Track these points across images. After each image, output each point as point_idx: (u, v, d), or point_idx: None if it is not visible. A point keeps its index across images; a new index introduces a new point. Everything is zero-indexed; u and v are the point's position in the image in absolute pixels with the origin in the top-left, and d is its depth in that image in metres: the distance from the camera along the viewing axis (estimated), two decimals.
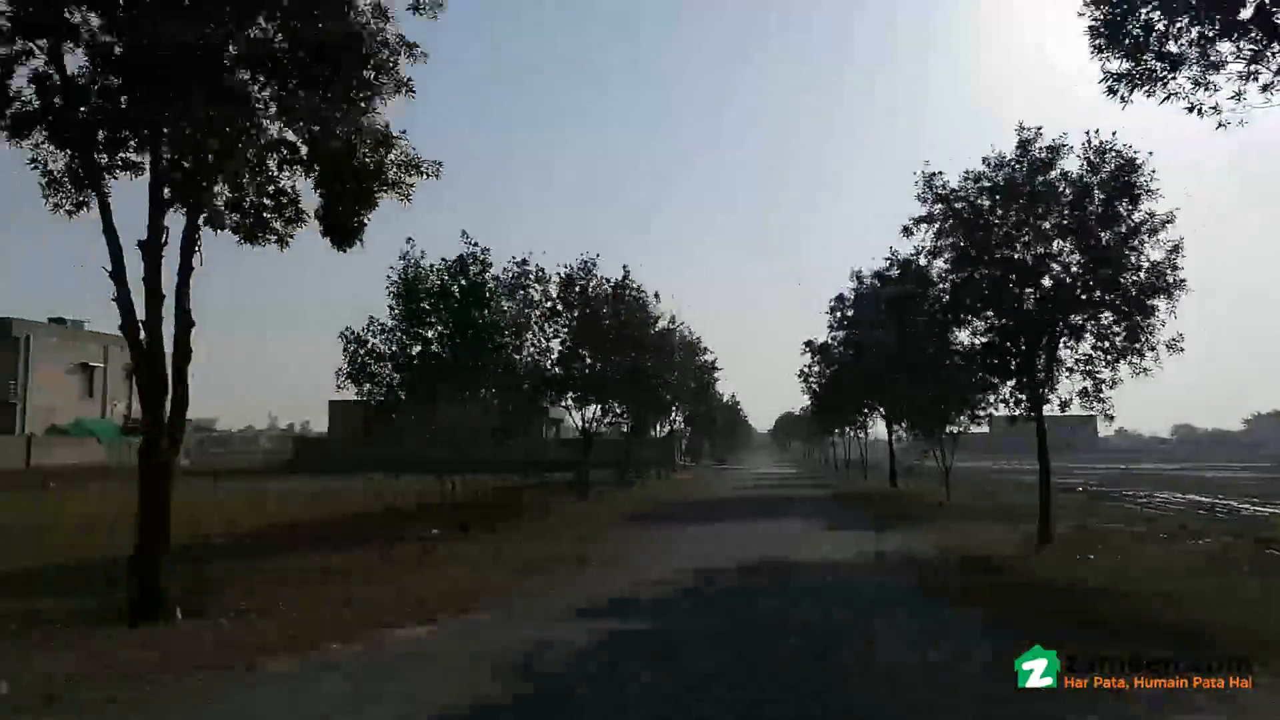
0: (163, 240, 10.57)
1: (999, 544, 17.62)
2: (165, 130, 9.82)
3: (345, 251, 14.44)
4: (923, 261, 20.01)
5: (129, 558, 10.20)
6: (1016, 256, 18.46)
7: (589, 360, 30.43)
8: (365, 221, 13.01)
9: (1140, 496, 36.26)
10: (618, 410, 34.27)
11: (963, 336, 19.73)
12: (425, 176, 12.82)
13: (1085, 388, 18.62)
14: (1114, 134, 17.90)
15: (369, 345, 19.65)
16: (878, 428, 52.31)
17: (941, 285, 19.92)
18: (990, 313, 19.23)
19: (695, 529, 22.22)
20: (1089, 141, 17.95)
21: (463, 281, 20.47)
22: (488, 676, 7.74)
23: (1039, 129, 18.05)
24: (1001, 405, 20.05)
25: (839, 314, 39.18)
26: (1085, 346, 18.52)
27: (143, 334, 10.58)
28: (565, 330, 29.95)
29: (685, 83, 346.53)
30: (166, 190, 11.80)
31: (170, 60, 9.47)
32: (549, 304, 29.17)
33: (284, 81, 10.18)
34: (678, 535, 20.72)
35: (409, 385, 20.01)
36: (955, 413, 26.57)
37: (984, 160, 19.02)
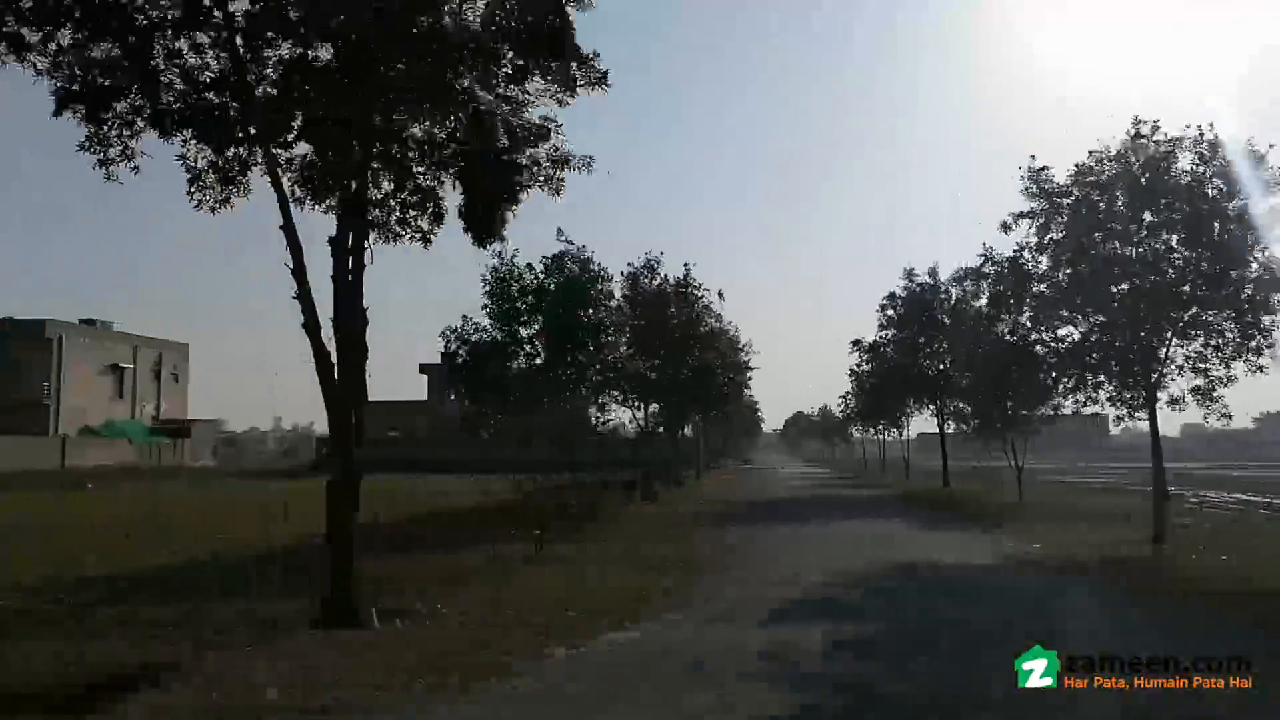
0: (350, 236, 10.37)
1: (1115, 544, 17.41)
2: (372, 123, 9.60)
3: (485, 248, 14.21)
4: (1026, 257, 19.77)
5: (333, 563, 9.94)
6: (1130, 252, 18.28)
7: (652, 359, 30.23)
8: (507, 218, 12.79)
9: (1190, 496, 36.02)
10: (663, 410, 34.05)
11: (1073, 333, 19.49)
12: (577, 171, 12.58)
13: (1198, 385, 18.47)
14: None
15: (470, 343, 19.44)
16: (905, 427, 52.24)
17: (1045, 283, 19.72)
18: (1093, 309, 19.02)
19: (790, 529, 22.00)
20: (1201, 135, 17.80)
21: (557, 279, 20.26)
22: (765, 685, 7.47)
23: (1156, 122, 17.87)
24: (1108, 403, 19.74)
25: (890, 312, 39.02)
26: (1198, 344, 18.36)
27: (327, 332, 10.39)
28: (629, 329, 29.77)
29: (682, 79, 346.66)
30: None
31: (383, 47, 9.29)
32: (613, 302, 28.99)
33: (489, 72, 9.95)
34: (780, 536, 20.49)
35: (508, 386, 19.80)
36: (1035, 410, 26.41)
37: (1090, 154, 18.85)
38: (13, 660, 8.19)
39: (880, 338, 40.27)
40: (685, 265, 31.83)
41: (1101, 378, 19.44)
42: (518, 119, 11.60)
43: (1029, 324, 20.12)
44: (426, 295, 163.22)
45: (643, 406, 31.92)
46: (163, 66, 10.81)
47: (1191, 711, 6.51)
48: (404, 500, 28.06)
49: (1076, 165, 18.72)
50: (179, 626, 9.75)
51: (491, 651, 8.61)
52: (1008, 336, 20.97)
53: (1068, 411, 22.13)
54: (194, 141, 11.20)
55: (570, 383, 20.18)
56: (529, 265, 20.18)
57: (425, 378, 73.08)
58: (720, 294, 32.62)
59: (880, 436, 58.90)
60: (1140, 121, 17.95)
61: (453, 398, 20.39)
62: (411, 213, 12.40)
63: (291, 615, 10.24)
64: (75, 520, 22.59)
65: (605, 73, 10.30)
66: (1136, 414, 19.52)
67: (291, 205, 11.61)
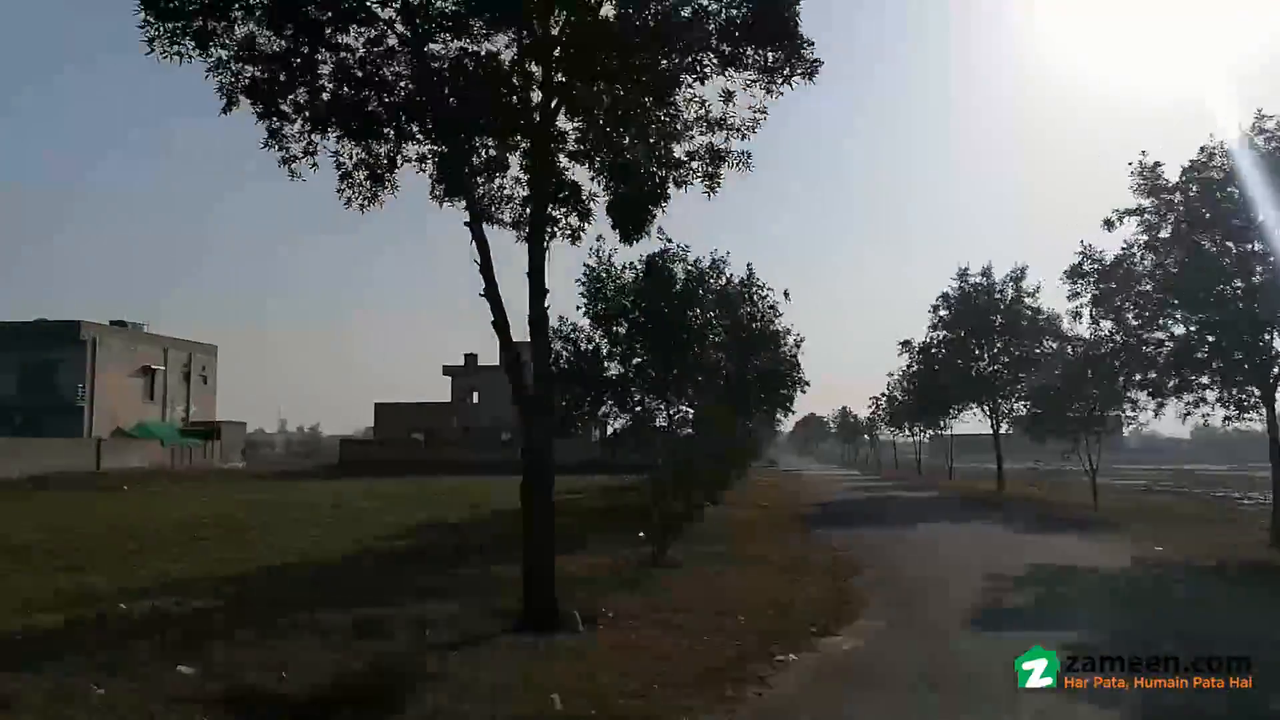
0: (545, 232, 10.15)
1: (1235, 546, 17.16)
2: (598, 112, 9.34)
3: (632, 245, 13.92)
4: (1135, 254, 19.50)
5: (532, 566, 9.66)
6: (1246, 248, 18.01)
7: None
8: (656, 213, 12.51)
9: (1239, 498, 35.65)
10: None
11: (1185, 331, 19.21)
12: (733, 167, 12.26)
13: None
14: None
15: (575, 344, 19.22)
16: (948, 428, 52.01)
17: (1153, 281, 19.43)
18: (1205, 307, 18.70)
19: (886, 532, 21.75)
20: None
21: (658, 279, 19.99)
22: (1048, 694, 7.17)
23: None
24: (1217, 404, 19.45)
25: (942, 313, 38.80)
26: None
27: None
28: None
29: None
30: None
31: (588, 40, 9.05)
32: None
33: (699, 61, 9.68)
34: (884, 539, 20.16)
35: (605, 386, 19.58)
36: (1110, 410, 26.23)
37: (1201, 149, 18.60)
38: (252, 663, 7.92)
39: (930, 338, 40.07)
40: (748, 265, 31.49)
41: (1217, 377, 19.06)
42: (688, 112, 11.40)
43: (1136, 322, 19.81)
44: (435, 295, 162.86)
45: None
46: (327, 60, 10.64)
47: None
48: (463, 503, 27.77)
49: (1190, 160, 18.49)
50: (367, 631, 9.48)
51: (724, 657, 8.35)
52: (1116, 336, 20.65)
53: (1174, 414, 21.80)
54: (347, 139, 11.04)
55: (670, 385, 19.92)
56: (629, 264, 19.90)
57: (449, 379, 72.77)
58: (786, 294, 32.19)
59: (918, 438, 58.66)
60: (1264, 116, 17.63)
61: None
62: (560, 210, 12.15)
63: (458, 617, 9.95)
64: (188, 520, 22.15)
65: (817, 61, 9.86)
66: (1247, 414, 19.29)
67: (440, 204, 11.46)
